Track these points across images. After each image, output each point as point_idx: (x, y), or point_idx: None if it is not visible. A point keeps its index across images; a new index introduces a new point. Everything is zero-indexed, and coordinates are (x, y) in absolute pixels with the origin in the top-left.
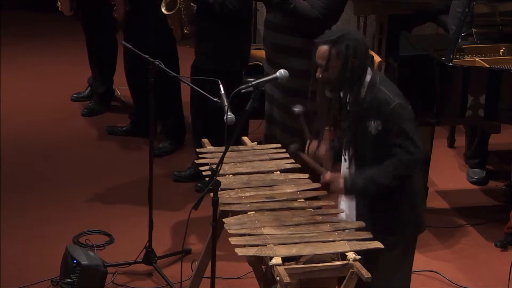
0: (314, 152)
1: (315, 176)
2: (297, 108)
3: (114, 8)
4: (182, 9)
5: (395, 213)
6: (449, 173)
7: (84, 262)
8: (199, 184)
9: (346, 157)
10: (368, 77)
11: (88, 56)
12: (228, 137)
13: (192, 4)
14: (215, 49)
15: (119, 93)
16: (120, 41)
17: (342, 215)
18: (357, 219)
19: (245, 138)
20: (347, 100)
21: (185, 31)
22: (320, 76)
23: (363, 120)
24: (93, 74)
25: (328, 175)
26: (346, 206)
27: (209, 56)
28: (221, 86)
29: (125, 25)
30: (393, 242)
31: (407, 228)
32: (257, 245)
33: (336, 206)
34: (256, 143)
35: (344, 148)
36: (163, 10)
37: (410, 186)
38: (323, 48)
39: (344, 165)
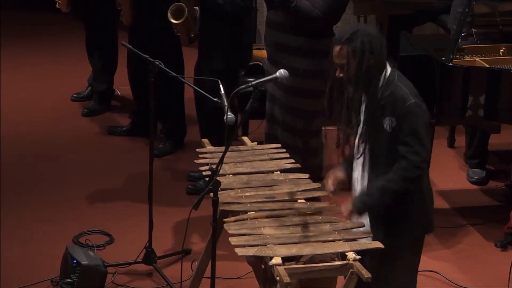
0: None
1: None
2: None
3: (121, 13)
4: (188, 16)
5: (406, 215)
6: (449, 173)
7: (84, 262)
8: (190, 186)
9: (360, 155)
10: (386, 72)
11: (87, 54)
12: (228, 137)
13: (195, 7)
14: (221, 48)
15: (119, 93)
16: (120, 36)
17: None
18: (371, 222)
19: (245, 138)
20: (365, 96)
21: (191, 35)
22: (341, 75)
23: (379, 116)
24: (94, 72)
25: (342, 211)
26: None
27: (215, 56)
28: (221, 86)
29: (130, 28)
30: (404, 244)
31: (417, 229)
32: (257, 245)
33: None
34: (256, 143)
35: (358, 147)
36: (170, 19)
37: (420, 187)
38: (339, 48)
39: (356, 170)
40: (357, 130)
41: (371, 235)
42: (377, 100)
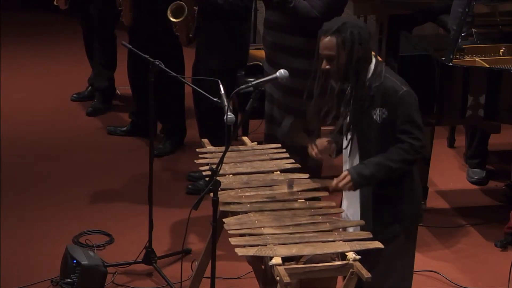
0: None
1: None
2: (285, 126)
3: (121, 13)
4: (187, 15)
5: (396, 204)
6: (449, 173)
7: (84, 262)
8: (190, 186)
9: (349, 146)
10: (372, 64)
11: (86, 52)
12: (228, 137)
13: (194, 7)
14: (219, 48)
15: (119, 93)
16: (120, 36)
17: (342, 215)
18: (361, 212)
19: (245, 138)
20: (353, 88)
21: (190, 35)
22: (328, 67)
23: (368, 108)
24: (94, 70)
25: (334, 182)
26: (347, 203)
27: (214, 55)
28: (221, 86)
29: (130, 28)
30: (393, 232)
31: (407, 218)
32: (257, 245)
33: (338, 205)
34: (256, 143)
35: (346, 137)
36: (170, 18)
37: (410, 178)
38: (328, 38)
39: (346, 156)
40: (343, 122)
41: (371, 236)
42: (365, 91)
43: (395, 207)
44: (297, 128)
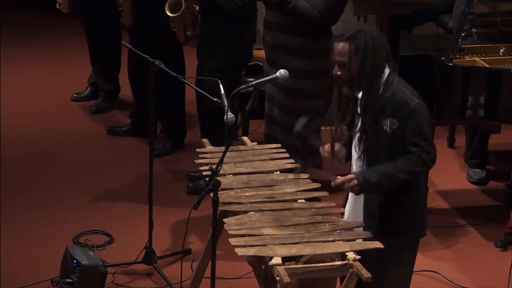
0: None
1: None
2: (299, 124)
3: (122, 13)
4: (185, 11)
5: (403, 215)
6: (449, 173)
7: (84, 262)
8: (190, 185)
9: (358, 154)
10: (385, 74)
11: (89, 53)
12: (228, 137)
13: (194, 5)
14: (219, 48)
15: (120, 93)
16: (122, 38)
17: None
18: (365, 220)
19: (245, 138)
20: (365, 96)
21: (188, 33)
22: (339, 73)
23: (378, 117)
24: (97, 71)
25: (339, 178)
26: (351, 209)
27: (214, 55)
28: (221, 86)
29: (131, 29)
30: (400, 243)
31: (411, 230)
32: (257, 245)
33: (338, 206)
34: (256, 143)
35: (356, 146)
36: (167, 12)
37: (418, 188)
38: (341, 45)
39: (355, 163)
40: (354, 130)
41: (371, 235)
42: (378, 100)
43: (401, 219)
44: (311, 128)
